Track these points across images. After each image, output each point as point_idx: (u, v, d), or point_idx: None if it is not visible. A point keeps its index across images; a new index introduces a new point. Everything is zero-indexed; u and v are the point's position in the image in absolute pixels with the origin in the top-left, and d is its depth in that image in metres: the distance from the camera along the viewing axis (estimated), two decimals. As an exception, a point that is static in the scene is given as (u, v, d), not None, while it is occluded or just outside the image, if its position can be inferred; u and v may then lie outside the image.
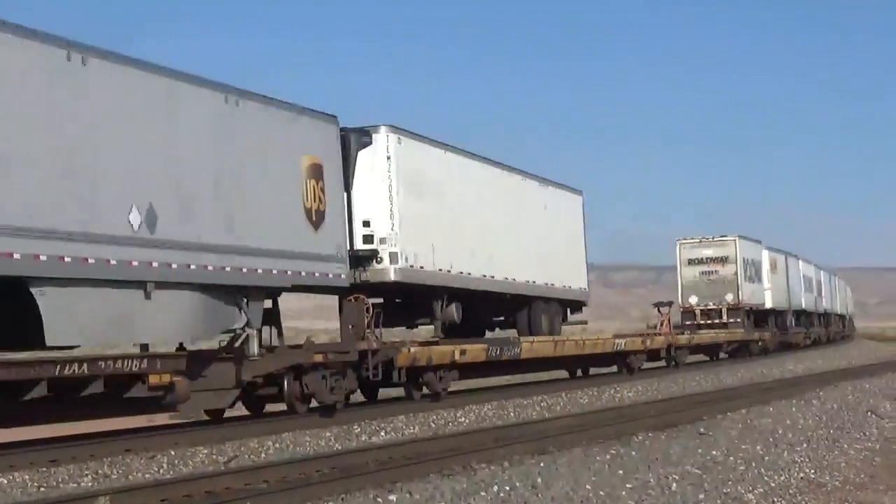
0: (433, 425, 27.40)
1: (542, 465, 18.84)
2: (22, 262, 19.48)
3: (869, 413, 29.49)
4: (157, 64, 22.90)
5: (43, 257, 19.87)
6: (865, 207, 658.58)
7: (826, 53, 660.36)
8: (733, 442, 22.43)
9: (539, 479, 17.26)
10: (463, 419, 28.81)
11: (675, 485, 17.26)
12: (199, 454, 21.35)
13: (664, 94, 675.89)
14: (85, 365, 20.99)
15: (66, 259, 20.29)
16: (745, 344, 63.68)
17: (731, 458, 20.21)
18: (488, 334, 39.27)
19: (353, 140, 30.05)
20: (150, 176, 22.46)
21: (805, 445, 22.36)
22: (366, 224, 30.39)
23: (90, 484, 18.34)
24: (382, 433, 25.61)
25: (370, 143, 30.64)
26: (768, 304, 70.51)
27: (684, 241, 65.15)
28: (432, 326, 34.06)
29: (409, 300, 33.64)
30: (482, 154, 36.84)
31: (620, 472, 18.22)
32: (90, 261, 20.82)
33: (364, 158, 30.43)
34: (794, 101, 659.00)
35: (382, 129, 31.00)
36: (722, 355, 61.03)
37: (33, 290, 19.82)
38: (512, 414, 30.51)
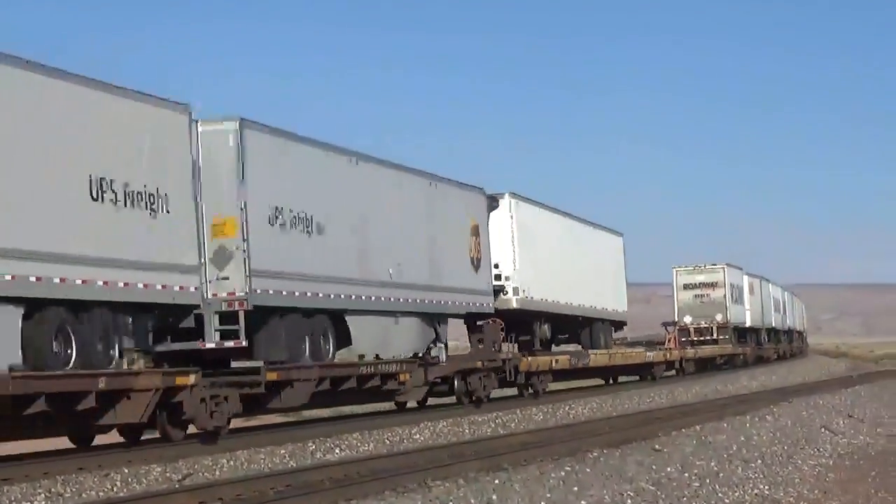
0: (388, 442, 27.36)
1: (496, 482, 18.81)
2: (341, 300, 30.36)
3: (823, 429, 29.63)
4: (391, 161, 34.15)
5: (352, 297, 30.86)
6: (817, 223, 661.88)
7: (773, 69, 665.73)
8: (688, 458, 22.47)
9: (494, 496, 17.25)
10: (418, 436, 28.79)
11: (629, 501, 17.31)
12: (152, 472, 21.22)
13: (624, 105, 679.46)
14: (372, 367, 31.89)
15: (361, 298, 31.23)
16: (732, 357, 74.60)
17: (686, 474, 20.25)
18: (553, 348, 48.61)
19: (487, 204, 39.81)
20: (399, 241, 33.42)
21: (759, 462, 22.44)
22: (495, 266, 40.06)
23: (43, 502, 18.20)
24: (337, 450, 25.56)
25: (497, 206, 40.97)
26: (748, 323, 79.95)
27: (680, 269, 74.97)
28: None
29: (515, 321, 42.63)
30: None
31: (575, 488, 18.23)
32: (372, 298, 31.82)
33: (493, 217, 40.30)
34: (746, 115, 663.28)
35: (506, 195, 42.13)
36: (668, 373, 64.14)
37: (347, 318, 30.74)
38: (467, 431, 30.51)
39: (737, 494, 18.45)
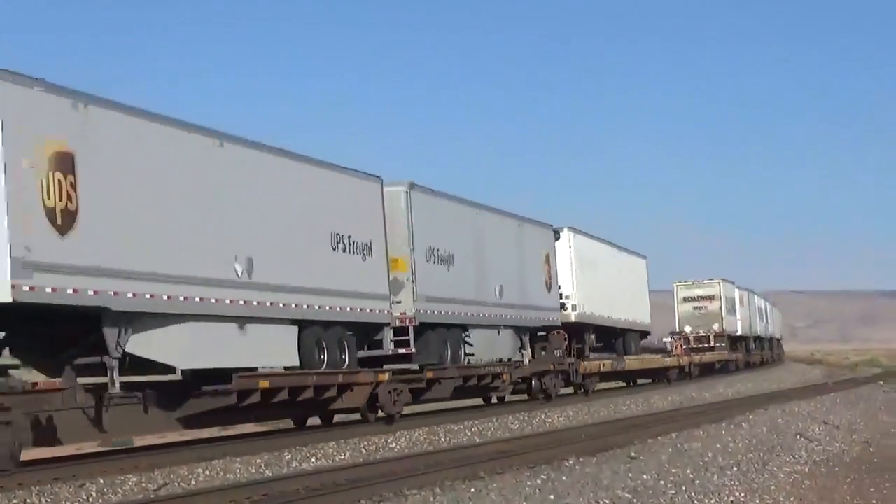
0: (364, 451, 27.30)
1: (473, 490, 18.81)
2: (466, 317, 38.72)
3: (798, 436, 29.68)
4: (496, 207, 42.92)
5: (473, 314, 39.20)
6: (792, 231, 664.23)
7: (744, 81, 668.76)
8: (663, 466, 22.48)
9: (470, 505, 17.23)
10: (394, 444, 28.74)
11: (606, 509, 17.28)
12: (128, 482, 21.14)
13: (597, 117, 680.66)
14: (486, 368, 40.30)
15: (477, 315, 39.63)
16: (727, 362, 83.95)
17: (662, 482, 20.26)
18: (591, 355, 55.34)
19: (554, 237, 48.77)
20: (501, 270, 41.77)
21: (735, 469, 22.47)
22: (559, 287, 48.66)
23: (17, 513, 18.12)
24: (313, 459, 25.50)
25: (559, 238, 49.83)
26: (739, 332, 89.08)
27: (679, 284, 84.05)
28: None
29: (570, 332, 49.74)
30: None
31: (552, 496, 18.23)
32: (485, 315, 40.22)
33: (557, 246, 48.99)
34: (720, 124, 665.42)
35: (566, 229, 51.68)
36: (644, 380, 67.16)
37: (469, 330, 39.31)
38: (443, 439, 30.49)
39: (713, 502, 18.48)
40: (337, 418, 35.66)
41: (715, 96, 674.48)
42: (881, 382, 61.58)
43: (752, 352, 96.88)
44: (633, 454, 24.58)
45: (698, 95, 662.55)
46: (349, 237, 31.92)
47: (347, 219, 32.02)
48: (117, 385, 23.53)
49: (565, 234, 51.75)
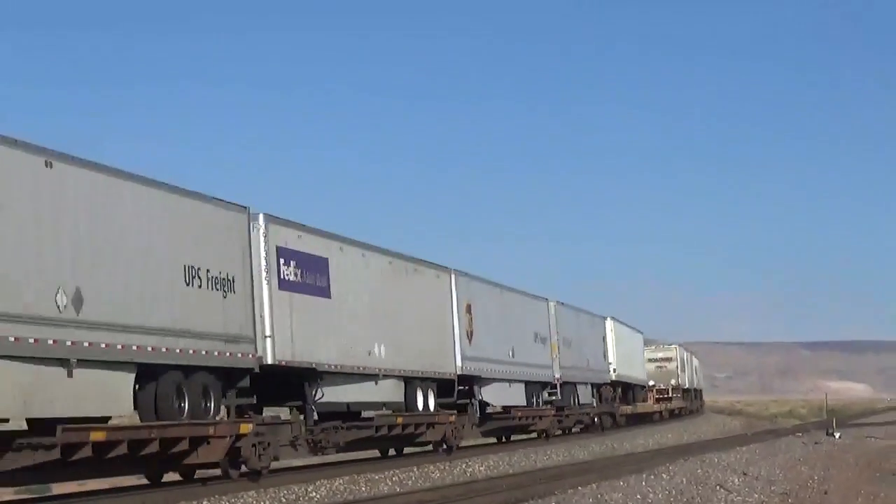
0: (284, 500, 27.08)
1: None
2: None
3: (718, 487, 29.75)
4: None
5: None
6: (712, 282, 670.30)
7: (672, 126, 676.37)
8: (584, 517, 22.45)
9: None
10: (314, 493, 28.52)
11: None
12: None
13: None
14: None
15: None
16: (682, 408, 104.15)
17: (582, 533, 20.23)
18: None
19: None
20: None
21: (655, 520, 22.48)
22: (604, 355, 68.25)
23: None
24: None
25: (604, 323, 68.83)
26: (686, 385, 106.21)
27: (647, 348, 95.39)
28: None
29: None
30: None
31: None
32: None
33: (606, 326, 69.47)
34: (632, 171, 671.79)
35: (609, 319, 69.97)
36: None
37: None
38: (364, 488, 30.30)
39: (633, 553, 18.46)
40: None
41: (630, 148, 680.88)
42: (800, 434, 61.99)
43: (693, 401, 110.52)
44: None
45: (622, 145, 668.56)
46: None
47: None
48: None
49: (609, 323, 70.15)
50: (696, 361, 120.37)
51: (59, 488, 31.25)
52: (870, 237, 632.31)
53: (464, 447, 44.35)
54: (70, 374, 22.78)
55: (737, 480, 32.07)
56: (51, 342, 22.22)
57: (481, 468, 37.77)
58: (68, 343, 22.65)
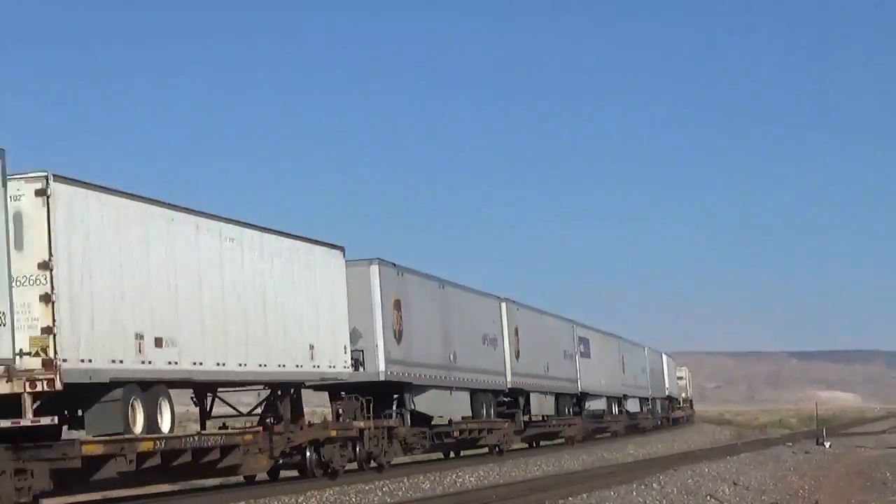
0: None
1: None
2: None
3: (708, 497, 29.74)
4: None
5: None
6: (701, 292, 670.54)
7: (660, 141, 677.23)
8: (575, 527, 22.41)
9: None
10: (304, 505, 28.45)
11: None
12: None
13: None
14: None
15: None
16: (684, 416, 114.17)
17: (573, 543, 20.19)
18: None
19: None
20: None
21: (646, 530, 22.44)
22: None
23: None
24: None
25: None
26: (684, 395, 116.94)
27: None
28: None
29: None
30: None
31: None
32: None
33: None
34: (619, 180, 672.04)
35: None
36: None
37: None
38: (353, 499, 30.23)
39: (624, 563, 18.42)
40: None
41: (618, 157, 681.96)
42: (789, 443, 61.97)
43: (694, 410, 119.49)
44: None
45: (603, 157, 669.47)
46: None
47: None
48: None
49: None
50: (686, 372, 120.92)
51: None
52: (859, 246, 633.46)
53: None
54: (451, 394, 44.81)
55: (727, 490, 32.06)
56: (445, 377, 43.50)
57: (471, 478, 37.70)
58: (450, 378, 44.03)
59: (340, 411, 37.23)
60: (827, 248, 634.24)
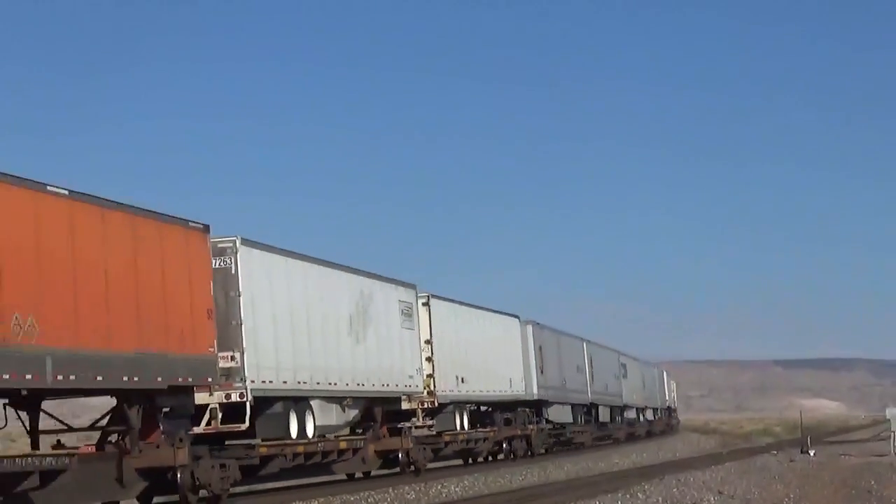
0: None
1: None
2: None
3: (693, 506, 29.72)
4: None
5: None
6: (687, 300, 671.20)
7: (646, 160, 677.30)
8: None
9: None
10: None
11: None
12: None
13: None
14: None
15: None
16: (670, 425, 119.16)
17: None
18: None
19: None
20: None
21: (631, 539, 22.42)
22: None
23: None
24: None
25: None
26: (673, 406, 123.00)
27: None
28: None
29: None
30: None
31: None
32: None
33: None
34: (603, 190, 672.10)
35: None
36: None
37: None
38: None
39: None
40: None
41: (600, 166, 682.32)
42: (775, 452, 62.06)
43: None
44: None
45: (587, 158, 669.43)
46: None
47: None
48: None
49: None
50: (667, 379, 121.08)
51: None
52: (842, 256, 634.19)
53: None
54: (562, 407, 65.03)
55: (713, 499, 32.04)
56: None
57: (456, 489, 37.69)
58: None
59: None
60: (812, 258, 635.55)
